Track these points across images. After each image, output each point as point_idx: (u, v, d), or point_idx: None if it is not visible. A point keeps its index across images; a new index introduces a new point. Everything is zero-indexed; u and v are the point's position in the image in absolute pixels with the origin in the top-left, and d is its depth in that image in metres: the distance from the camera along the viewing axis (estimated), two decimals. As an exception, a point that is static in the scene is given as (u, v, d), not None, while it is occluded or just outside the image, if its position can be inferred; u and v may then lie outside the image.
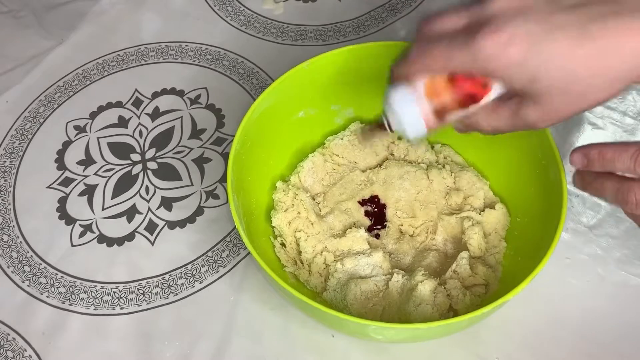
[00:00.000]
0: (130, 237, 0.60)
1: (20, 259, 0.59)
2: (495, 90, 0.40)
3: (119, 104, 0.69)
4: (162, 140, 0.66)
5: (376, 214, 0.57)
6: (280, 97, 0.55)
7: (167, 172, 0.64)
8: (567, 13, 0.36)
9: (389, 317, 0.49)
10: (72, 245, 0.60)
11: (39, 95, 0.70)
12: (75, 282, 0.57)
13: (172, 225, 0.60)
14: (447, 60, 0.38)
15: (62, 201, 0.62)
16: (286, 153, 0.59)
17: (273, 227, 0.55)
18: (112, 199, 0.62)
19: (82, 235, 0.60)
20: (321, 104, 0.58)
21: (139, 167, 0.64)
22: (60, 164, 0.65)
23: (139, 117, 0.68)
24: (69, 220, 0.61)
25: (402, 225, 0.56)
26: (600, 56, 0.35)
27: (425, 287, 0.49)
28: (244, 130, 0.52)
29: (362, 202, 0.57)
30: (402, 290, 0.50)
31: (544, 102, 0.38)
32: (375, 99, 0.58)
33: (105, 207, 0.62)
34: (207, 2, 0.78)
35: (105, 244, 0.60)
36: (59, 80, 0.71)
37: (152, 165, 0.64)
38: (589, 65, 0.36)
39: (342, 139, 0.59)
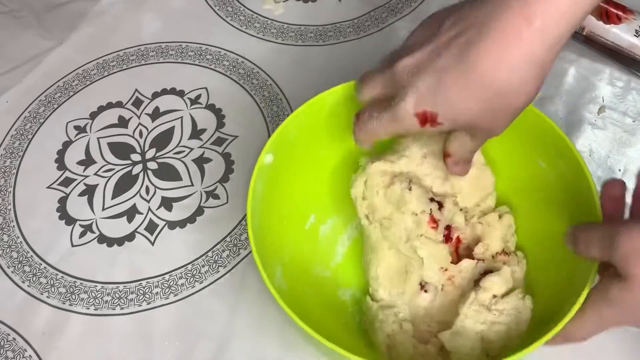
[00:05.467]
0: (130, 237, 0.60)
1: (21, 259, 0.59)
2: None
3: (119, 104, 0.69)
4: (162, 140, 0.66)
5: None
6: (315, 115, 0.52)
7: (167, 172, 0.64)
8: (446, 56, 0.40)
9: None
10: (72, 246, 0.60)
11: (39, 96, 0.70)
12: (76, 282, 0.57)
13: (172, 225, 0.60)
14: (383, 132, 0.44)
15: (62, 201, 0.62)
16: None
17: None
18: (112, 199, 0.62)
19: (82, 235, 0.60)
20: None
21: (139, 167, 0.64)
22: (61, 164, 0.65)
23: (139, 117, 0.68)
24: (69, 221, 0.61)
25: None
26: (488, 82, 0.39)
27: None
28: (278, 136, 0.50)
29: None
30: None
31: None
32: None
33: (105, 207, 0.62)
34: (207, 2, 0.78)
35: (105, 244, 0.60)
36: (59, 80, 0.71)
37: (152, 165, 0.64)
38: (478, 96, 0.39)
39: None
